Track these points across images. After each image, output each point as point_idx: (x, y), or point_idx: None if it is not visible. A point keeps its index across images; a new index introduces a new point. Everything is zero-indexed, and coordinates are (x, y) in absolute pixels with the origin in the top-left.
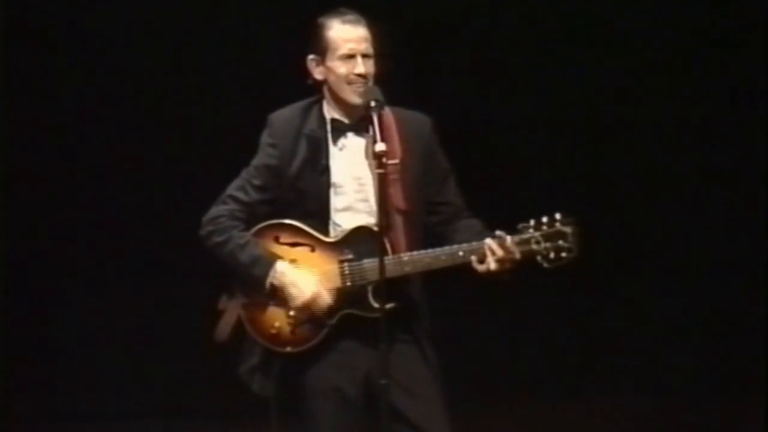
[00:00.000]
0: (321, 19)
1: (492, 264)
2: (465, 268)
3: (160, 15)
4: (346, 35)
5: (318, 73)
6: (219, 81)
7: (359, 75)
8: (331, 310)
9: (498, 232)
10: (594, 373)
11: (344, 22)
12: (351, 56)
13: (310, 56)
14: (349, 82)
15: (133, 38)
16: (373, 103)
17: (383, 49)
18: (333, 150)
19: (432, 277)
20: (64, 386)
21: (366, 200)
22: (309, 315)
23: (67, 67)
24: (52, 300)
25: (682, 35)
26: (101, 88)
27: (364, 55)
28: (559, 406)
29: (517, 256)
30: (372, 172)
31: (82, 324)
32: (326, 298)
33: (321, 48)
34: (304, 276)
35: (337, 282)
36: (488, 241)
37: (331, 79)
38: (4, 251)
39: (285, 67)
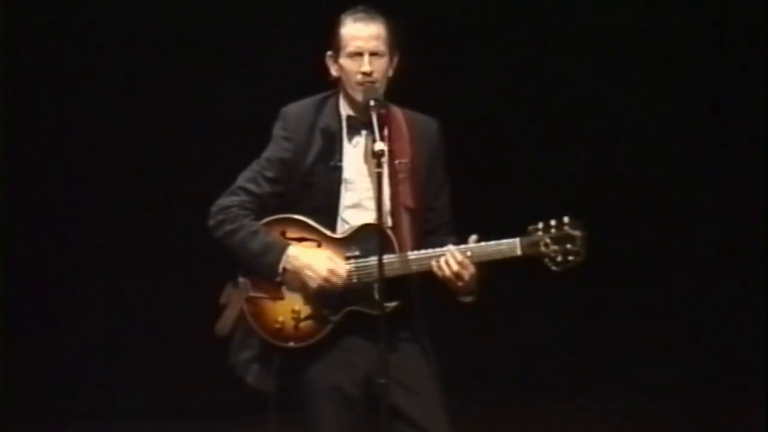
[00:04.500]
0: (341, 16)
1: (445, 271)
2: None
3: (159, 14)
4: (356, 33)
5: (334, 70)
6: (218, 80)
7: (364, 73)
8: (336, 307)
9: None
10: (594, 373)
11: (356, 20)
12: (359, 54)
13: (328, 53)
14: (357, 81)
15: (130, 38)
16: (372, 103)
17: (399, 48)
18: (347, 146)
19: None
20: (64, 386)
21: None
22: (324, 300)
23: (67, 66)
24: (52, 299)
25: (684, 37)
26: (102, 85)
27: (373, 53)
28: (559, 406)
29: (471, 270)
30: (373, 172)
31: (82, 324)
32: (341, 275)
33: (335, 45)
34: (317, 257)
35: (342, 277)
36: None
37: (343, 76)
38: (4, 250)
39: (283, 66)
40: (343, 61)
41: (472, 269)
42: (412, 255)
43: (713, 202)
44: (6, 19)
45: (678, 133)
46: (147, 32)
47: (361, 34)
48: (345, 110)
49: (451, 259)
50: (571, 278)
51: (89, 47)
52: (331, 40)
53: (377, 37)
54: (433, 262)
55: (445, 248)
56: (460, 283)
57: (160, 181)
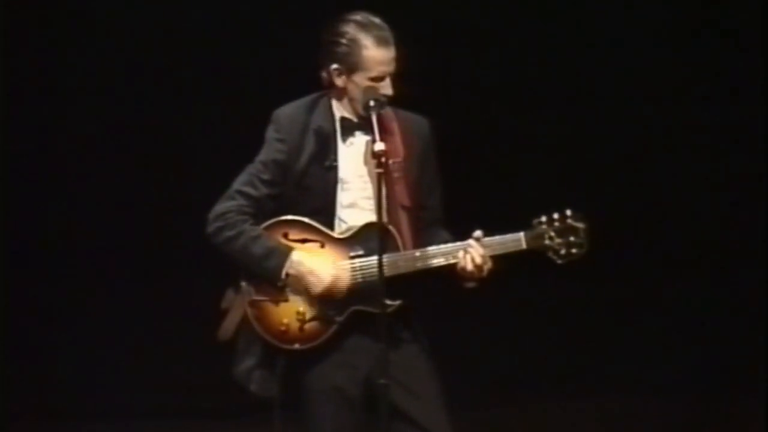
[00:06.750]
0: (352, 32)
1: (469, 264)
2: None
3: (158, 14)
4: (381, 58)
5: (340, 82)
6: (217, 80)
7: (387, 95)
8: (341, 307)
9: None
10: (594, 373)
11: (379, 42)
12: (381, 78)
13: (335, 66)
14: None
15: (130, 37)
16: (372, 103)
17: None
18: (341, 146)
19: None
20: (64, 386)
21: (371, 198)
22: (328, 302)
23: (67, 66)
24: (52, 299)
25: (682, 33)
26: (102, 86)
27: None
28: (559, 406)
29: (490, 263)
30: (372, 172)
31: (82, 324)
32: (345, 283)
33: (352, 64)
34: (321, 263)
35: (347, 278)
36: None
37: (353, 90)
38: (5, 250)
39: (282, 67)
40: (361, 80)
41: (491, 262)
42: (417, 252)
43: (714, 200)
44: (6, 19)
45: (678, 129)
46: (146, 32)
47: (386, 59)
48: (339, 112)
49: (476, 252)
50: (571, 278)
51: (89, 47)
52: (344, 57)
53: (395, 58)
54: (460, 254)
55: (461, 242)
56: (476, 275)
57: (163, 180)
